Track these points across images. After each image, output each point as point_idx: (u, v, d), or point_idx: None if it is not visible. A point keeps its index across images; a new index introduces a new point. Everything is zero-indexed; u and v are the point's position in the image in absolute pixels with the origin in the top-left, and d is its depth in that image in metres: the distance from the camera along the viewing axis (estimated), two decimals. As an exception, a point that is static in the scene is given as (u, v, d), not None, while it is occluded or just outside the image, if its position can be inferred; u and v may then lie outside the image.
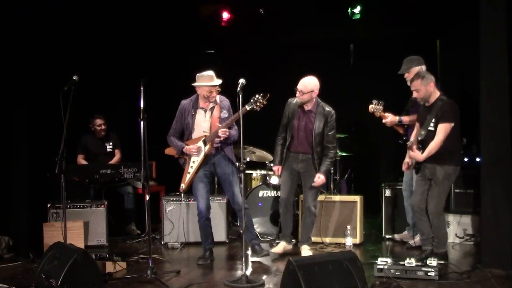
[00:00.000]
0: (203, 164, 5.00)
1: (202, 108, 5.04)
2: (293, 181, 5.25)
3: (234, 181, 5.01)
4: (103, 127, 6.63)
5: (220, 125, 4.88)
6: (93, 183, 6.31)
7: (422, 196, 4.83)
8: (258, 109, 4.78)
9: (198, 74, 4.97)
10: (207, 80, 4.91)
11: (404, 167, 5.10)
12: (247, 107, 4.71)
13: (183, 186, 5.06)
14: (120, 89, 7.35)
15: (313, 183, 5.08)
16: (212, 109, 5.02)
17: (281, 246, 5.32)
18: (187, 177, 5.04)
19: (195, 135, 5.03)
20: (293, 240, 5.51)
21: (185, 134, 5.11)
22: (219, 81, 4.96)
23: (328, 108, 5.11)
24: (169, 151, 5.28)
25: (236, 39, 8.31)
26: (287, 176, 5.22)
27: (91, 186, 6.34)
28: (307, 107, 5.11)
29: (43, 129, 5.67)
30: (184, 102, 5.13)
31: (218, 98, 5.05)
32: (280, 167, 5.25)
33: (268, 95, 4.80)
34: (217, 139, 4.90)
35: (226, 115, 4.99)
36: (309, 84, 5.05)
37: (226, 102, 5.08)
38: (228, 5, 8.21)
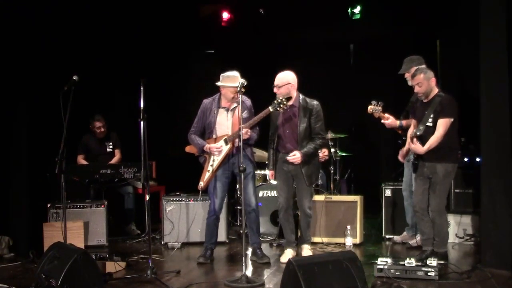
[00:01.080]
0: (223, 163, 5.00)
1: (224, 107, 5.03)
2: (289, 184, 5.09)
3: (250, 182, 5.00)
4: (102, 129, 6.63)
5: (244, 125, 4.84)
6: (93, 183, 6.32)
7: (423, 196, 4.83)
8: (282, 110, 4.77)
9: (223, 74, 4.94)
10: (232, 81, 4.87)
11: (399, 156, 5.06)
12: (271, 109, 4.71)
13: (201, 184, 5.04)
14: (120, 89, 7.35)
15: (287, 157, 4.89)
16: (234, 109, 5.00)
17: (289, 254, 5.06)
18: (206, 176, 5.03)
19: (216, 134, 5.03)
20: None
21: (206, 133, 5.10)
22: (244, 82, 4.91)
23: (312, 102, 4.97)
24: (189, 148, 5.26)
25: (236, 39, 8.31)
26: (282, 180, 5.08)
27: (91, 186, 6.34)
28: (289, 102, 4.92)
29: (43, 129, 5.67)
30: (206, 101, 5.12)
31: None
32: (273, 172, 5.14)
33: (292, 98, 4.81)
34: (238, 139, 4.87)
35: (247, 115, 4.97)
36: (284, 77, 4.92)
37: (247, 102, 5.06)
38: (228, 5, 8.23)
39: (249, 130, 4.84)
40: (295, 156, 4.85)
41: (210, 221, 5.11)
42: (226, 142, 4.95)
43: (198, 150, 5.10)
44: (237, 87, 4.71)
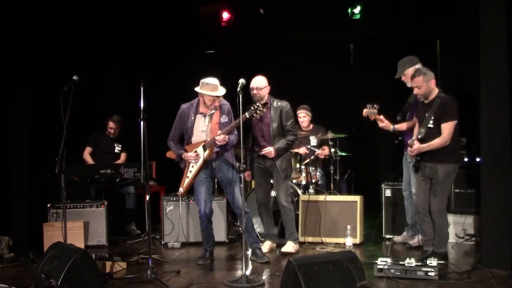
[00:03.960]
0: (203, 168, 4.99)
1: (201, 113, 5.02)
2: (267, 180, 5.45)
3: (235, 185, 5.00)
4: (112, 131, 6.75)
5: (220, 131, 4.85)
6: (93, 183, 6.32)
7: (425, 196, 4.82)
8: (258, 117, 4.84)
9: (202, 81, 4.92)
10: (211, 89, 4.87)
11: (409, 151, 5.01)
12: (247, 115, 4.68)
13: (181, 190, 5.06)
14: (120, 89, 7.35)
15: (260, 152, 5.25)
16: (212, 114, 5.00)
17: (267, 246, 5.44)
18: (186, 182, 5.03)
19: (194, 139, 5.01)
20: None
21: (184, 139, 5.10)
22: (222, 91, 4.92)
23: (281, 102, 5.32)
24: (170, 154, 5.30)
25: (236, 39, 8.31)
26: (260, 178, 5.42)
27: (92, 186, 6.35)
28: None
29: (43, 129, 5.67)
30: (184, 106, 5.11)
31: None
32: (249, 172, 5.45)
33: (268, 103, 4.93)
34: (218, 144, 4.87)
35: (226, 120, 4.97)
36: (262, 80, 5.28)
37: (226, 106, 5.05)
38: (228, 5, 8.22)
39: (226, 136, 4.83)
40: (268, 150, 5.21)
41: (203, 226, 5.11)
42: (204, 148, 4.94)
43: (177, 158, 5.11)
44: (215, 96, 4.88)
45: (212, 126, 4.95)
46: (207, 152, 4.91)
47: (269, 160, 5.30)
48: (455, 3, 6.60)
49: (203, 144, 4.94)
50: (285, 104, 5.32)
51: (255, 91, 5.21)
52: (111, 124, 6.72)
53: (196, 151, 4.96)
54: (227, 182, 5.03)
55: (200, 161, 4.95)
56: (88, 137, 6.75)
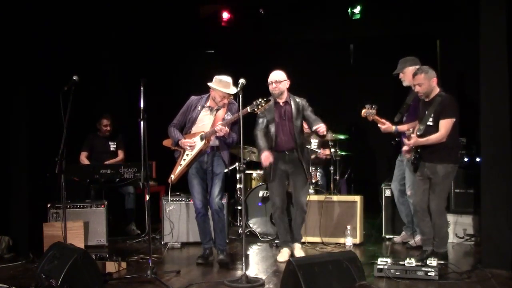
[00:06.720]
0: (196, 159, 4.98)
1: (209, 107, 5.03)
2: (284, 185, 5.22)
3: (219, 183, 4.95)
4: (108, 128, 6.75)
5: (221, 122, 4.85)
6: (93, 183, 6.33)
7: (423, 196, 4.82)
8: (259, 112, 4.79)
9: (217, 76, 4.93)
10: (224, 86, 4.89)
11: (404, 152, 5.00)
12: (249, 109, 4.69)
13: (172, 177, 5.05)
14: (120, 89, 7.35)
15: (319, 128, 4.90)
16: (218, 109, 5.00)
17: (286, 254, 5.14)
18: (178, 169, 5.02)
19: (194, 129, 5.01)
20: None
21: (185, 128, 5.10)
22: (234, 90, 4.89)
23: (300, 99, 5.17)
24: (166, 142, 5.25)
25: (236, 39, 8.32)
26: (278, 180, 5.14)
27: (92, 186, 6.35)
28: (282, 99, 5.13)
29: (43, 129, 5.67)
30: (194, 97, 5.13)
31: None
32: (269, 152, 4.98)
33: (271, 100, 4.84)
34: (217, 134, 4.84)
35: (230, 117, 4.98)
36: (282, 74, 5.12)
37: (234, 105, 5.04)
38: (228, 5, 8.23)
39: (225, 128, 4.79)
40: (324, 127, 4.90)
41: (198, 220, 5.09)
42: (201, 138, 4.93)
43: (173, 143, 5.09)
44: (225, 93, 4.85)
45: (216, 120, 4.95)
46: (203, 142, 4.90)
47: (291, 162, 5.08)
48: (455, 3, 6.60)
49: (201, 134, 4.94)
50: (304, 100, 5.18)
51: (274, 85, 5.06)
52: (105, 122, 6.72)
53: (193, 140, 4.97)
54: (213, 176, 4.98)
55: (195, 149, 4.93)
56: (81, 142, 6.71)
